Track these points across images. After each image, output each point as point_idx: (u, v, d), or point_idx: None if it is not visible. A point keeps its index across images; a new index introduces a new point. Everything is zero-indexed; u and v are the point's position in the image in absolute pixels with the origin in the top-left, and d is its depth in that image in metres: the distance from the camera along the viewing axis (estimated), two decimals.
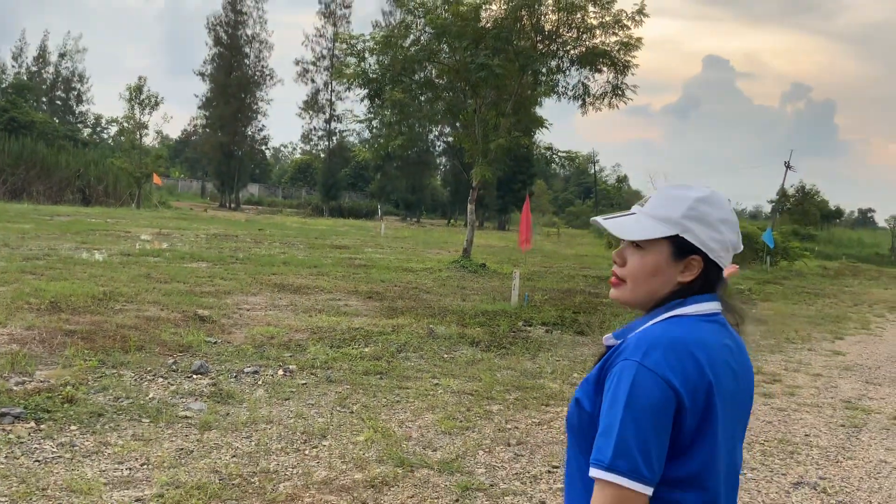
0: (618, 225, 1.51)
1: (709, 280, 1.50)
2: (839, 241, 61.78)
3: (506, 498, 4.40)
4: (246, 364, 6.98)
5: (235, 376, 6.58)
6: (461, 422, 5.80)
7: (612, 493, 1.32)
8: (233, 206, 58.63)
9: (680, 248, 1.47)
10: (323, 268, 15.94)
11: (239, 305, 10.33)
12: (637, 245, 1.49)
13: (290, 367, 7.02)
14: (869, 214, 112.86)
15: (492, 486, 4.56)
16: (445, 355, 8.27)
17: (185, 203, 56.66)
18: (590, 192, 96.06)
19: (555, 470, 4.94)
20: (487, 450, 5.24)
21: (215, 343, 7.75)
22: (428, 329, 9.49)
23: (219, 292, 11.27)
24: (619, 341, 1.48)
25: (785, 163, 60.49)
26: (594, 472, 1.35)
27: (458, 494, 4.36)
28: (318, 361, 7.31)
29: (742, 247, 1.54)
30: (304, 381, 6.60)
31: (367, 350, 8.04)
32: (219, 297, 10.77)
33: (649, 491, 1.32)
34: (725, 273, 1.51)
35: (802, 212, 59.75)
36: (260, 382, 6.46)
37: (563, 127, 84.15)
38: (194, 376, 6.42)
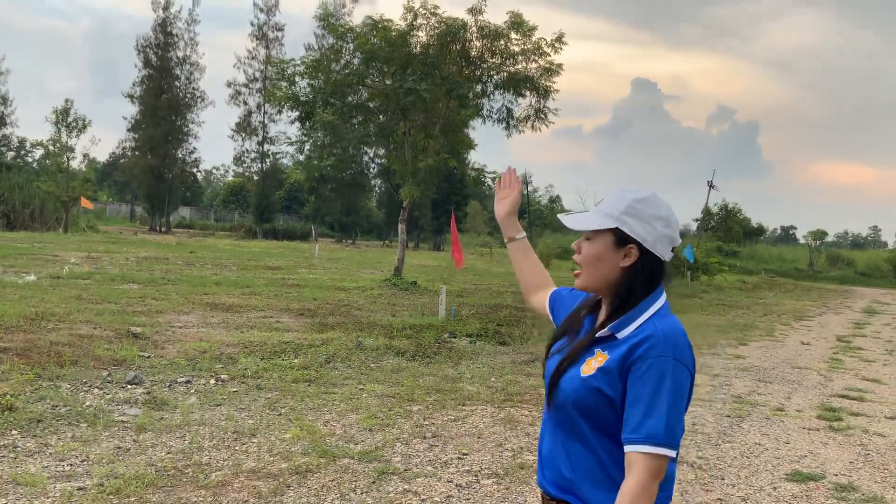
0: (571, 219, 1.90)
1: (653, 271, 1.84)
2: (761, 257, 64.36)
3: (418, 479, 4.91)
4: (179, 375, 7.34)
5: (169, 385, 6.94)
6: (382, 420, 6.30)
7: (660, 463, 1.67)
8: (163, 229, 57.87)
9: (620, 238, 1.82)
10: (255, 288, 16.23)
11: (171, 323, 10.61)
12: (588, 238, 1.87)
13: (222, 376, 7.41)
14: (791, 231, 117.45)
15: (406, 470, 5.08)
16: (372, 364, 8.75)
17: (114, 227, 55.70)
18: (524, 213, 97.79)
19: (464, 457, 5.47)
20: (405, 442, 5.75)
21: (149, 357, 8.07)
22: (356, 341, 9.95)
23: (151, 311, 11.51)
24: (614, 333, 1.80)
25: (708, 182, 62.93)
26: (646, 448, 1.66)
27: (374, 478, 4.86)
28: (248, 371, 7.71)
29: (679, 240, 1.93)
30: (234, 389, 7.00)
31: (296, 361, 8.47)
32: (151, 316, 11.02)
33: (676, 454, 1.76)
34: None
35: (726, 229, 62.18)
36: (193, 391, 6.84)
37: (498, 148, 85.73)
38: (129, 386, 6.76)
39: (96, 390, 6.56)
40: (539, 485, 1.94)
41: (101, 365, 7.48)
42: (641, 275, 1.82)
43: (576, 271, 1.89)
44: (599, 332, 1.83)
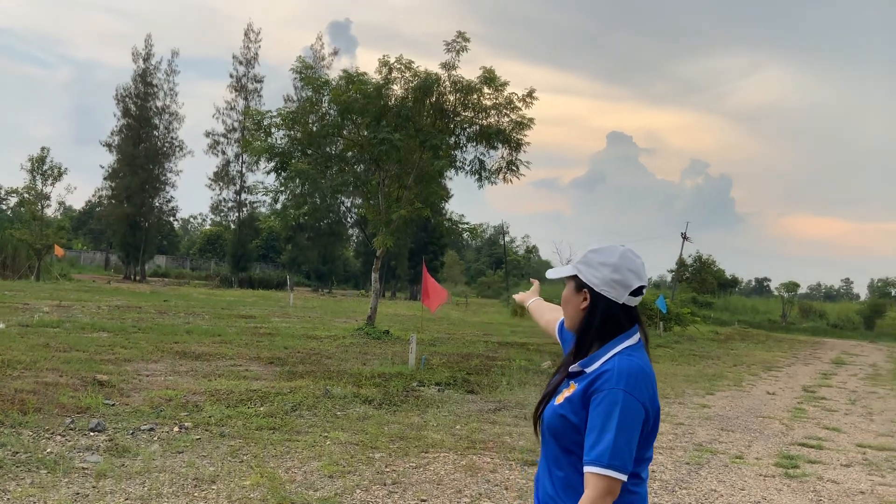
0: (550, 271, 2.27)
1: (610, 313, 2.08)
2: (735, 308, 64.89)
3: None
4: (143, 422, 7.35)
5: (132, 433, 6.95)
6: (343, 467, 6.35)
7: (607, 483, 1.89)
8: (138, 278, 57.45)
9: (578, 284, 2.14)
10: (226, 336, 16.21)
11: (139, 372, 10.59)
12: (564, 283, 2.20)
13: (186, 424, 7.43)
14: (764, 283, 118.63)
15: None
16: (338, 412, 8.80)
17: (88, 275, 55.21)
18: (501, 263, 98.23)
19: (423, 502, 5.54)
20: (364, 489, 5.80)
21: (113, 405, 8.07)
22: (324, 389, 9.99)
23: (119, 360, 11.49)
24: (583, 368, 2.07)
25: (682, 234, 63.97)
26: (594, 469, 1.89)
27: None
28: (213, 419, 7.74)
29: (635, 284, 2.14)
30: (198, 437, 7.02)
31: (262, 409, 8.50)
32: (119, 365, 10.99)
33: (626, 478, 1.95)
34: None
35: (701, 280, 62.89)
36: (155, 438, 6.85)
37: (477, 198, 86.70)
38: (91, 433, 6.76)
39: (58, 437, 6.56)
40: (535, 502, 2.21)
41: (64, 412, 7.48)
42: (595, 315, 2.10)
43: None
44: (572, 368, 2.11)
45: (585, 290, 2.11)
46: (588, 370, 2.05)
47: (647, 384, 2.00)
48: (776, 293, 74.15)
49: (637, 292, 2.11)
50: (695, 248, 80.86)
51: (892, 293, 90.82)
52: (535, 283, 3.10)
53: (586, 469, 1.92)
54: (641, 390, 1.97)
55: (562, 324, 2.55)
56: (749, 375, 17.42)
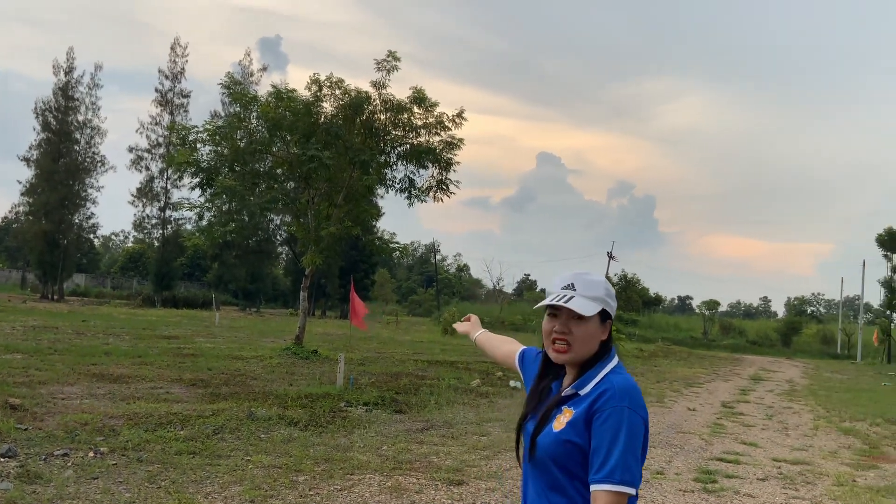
0: (577, 306, 2.06)
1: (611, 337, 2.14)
2: (658, 326, 66.47)
3: None
4: (56, 447, 7.07)
5: (44, 458, 6.68)
6: (266, 491, 6.23)
7: (617, 499, 1.90)
8: (56, 297, 55.36)
9: (603, 316, 2.10)
10: (147, 357, 15.76)
11: (53, 395, 10.20)
12: (580, 318, 2.06)
13: (102, 449, 7.18)
14: (687, 301, 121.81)
15: None
16: (262, 435, 8.63)
17: (3, 294, 52.99)
18: (432, 281, 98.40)
19: None
20: None
21: (26, 429, 7.74)
22: (248, 412, 9.79)
23: (33, 382, 11.04)
24: (577, 391, 2.06)
25: (608, 253, 65.30)
26: (606, 486, 1.90)
27: None
28: (130, 444, 7.50)
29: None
30: (114, 462, 6.79)
31: (182, 433, 8.27)
32: (32, 388, 10.57)
33: (635, 491, 1.96)
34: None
35: (626, 298, 64.19)
36: (69, 464, 6.60)
37: (409, 217, 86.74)
38: (2, 459, 6.47)
39: None
40: None
41: None
42: (609, 342, 2.15)
43: (559, 346, 2.10)
44: (565, 392, 2.10)
45: (609, 321, 2.14)
46: (582, 392, 2.06)
47: (642, 399, 2.06)
48: (698, 311, 76.29)
49: None
50: (620, 266, 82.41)
51: (808, 311, 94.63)
52: (475, 317, 3.07)
53: (597, 487, 1.93)
54: (641, 406, 2.02)
55: (521, 354, 2.59)
56: (671, 392, 17.84)
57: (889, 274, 44.84)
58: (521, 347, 2.66)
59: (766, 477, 8.43)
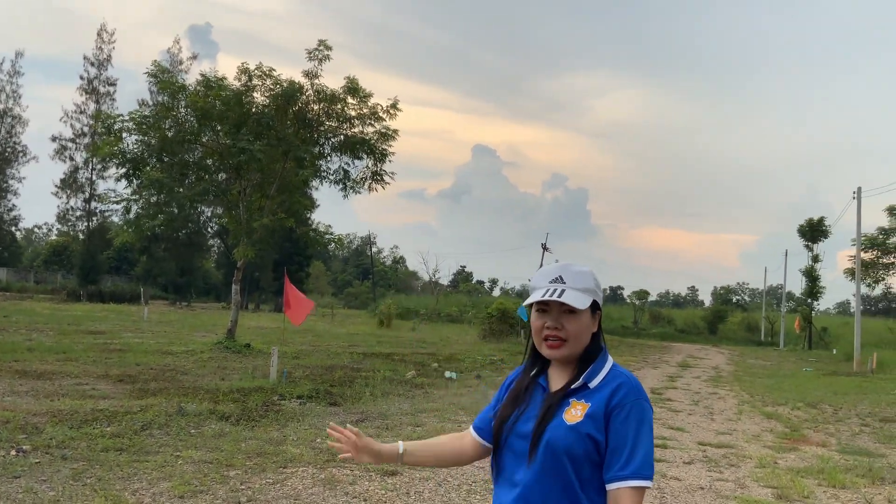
0: (570, 299, 1.96)
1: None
2: None
3: None
4: None
5: None
6: (195, 486, 6.12)
7: (642, 495, 1.89)
8: None
9: (593, 308, 2.03)
10: (72, 353, 15.28)
11: None
12: (572, 311, 1.98)
13: (24, 447, 6.94)
14: (618, 291, 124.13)
15: None
16: (192, 430, 8.47)
17: None
18: (368, 274, 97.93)
19: None
20: None
21: None
22: (178, 407, 9.59)
23: None
24: (587, 382, 1.98)
25: (542, 245, 66.09)
26: (635, 482, 1.87)
27: None
28: (54, 441, 7.26)
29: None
30: (37, 460, 6.57)
31: (108, 429, 8.06)
32: None
33: (651, 484, 1.93)
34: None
35: None
36: None
37: (345, 208, 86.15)
38: None
39: None
40: None
41: None
42: (601, 333, 2.09)
43: (552, 342, 1.99)
44: (574, 384, 1.99)
45: (599, 311, 2.07)
46: (592, 384, 1.98)
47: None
48: (628, 301, 77.82)
49: None
50: (554, 258, 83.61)
51: (733, 300, 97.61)
52: (358, 433, 2.22)
53: (623, 485, 1.87)
54: (648, 399, 2.01)
55: (478, 425, 2.22)
56: None
57: (810, 263, 46.51)
58: (470, 429, 2.26)
59: (692, 460, 8.68)
